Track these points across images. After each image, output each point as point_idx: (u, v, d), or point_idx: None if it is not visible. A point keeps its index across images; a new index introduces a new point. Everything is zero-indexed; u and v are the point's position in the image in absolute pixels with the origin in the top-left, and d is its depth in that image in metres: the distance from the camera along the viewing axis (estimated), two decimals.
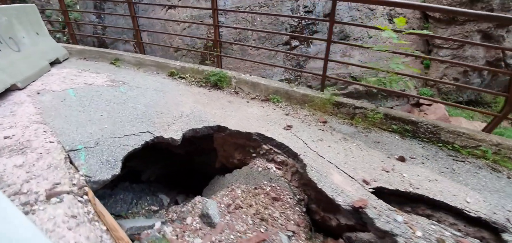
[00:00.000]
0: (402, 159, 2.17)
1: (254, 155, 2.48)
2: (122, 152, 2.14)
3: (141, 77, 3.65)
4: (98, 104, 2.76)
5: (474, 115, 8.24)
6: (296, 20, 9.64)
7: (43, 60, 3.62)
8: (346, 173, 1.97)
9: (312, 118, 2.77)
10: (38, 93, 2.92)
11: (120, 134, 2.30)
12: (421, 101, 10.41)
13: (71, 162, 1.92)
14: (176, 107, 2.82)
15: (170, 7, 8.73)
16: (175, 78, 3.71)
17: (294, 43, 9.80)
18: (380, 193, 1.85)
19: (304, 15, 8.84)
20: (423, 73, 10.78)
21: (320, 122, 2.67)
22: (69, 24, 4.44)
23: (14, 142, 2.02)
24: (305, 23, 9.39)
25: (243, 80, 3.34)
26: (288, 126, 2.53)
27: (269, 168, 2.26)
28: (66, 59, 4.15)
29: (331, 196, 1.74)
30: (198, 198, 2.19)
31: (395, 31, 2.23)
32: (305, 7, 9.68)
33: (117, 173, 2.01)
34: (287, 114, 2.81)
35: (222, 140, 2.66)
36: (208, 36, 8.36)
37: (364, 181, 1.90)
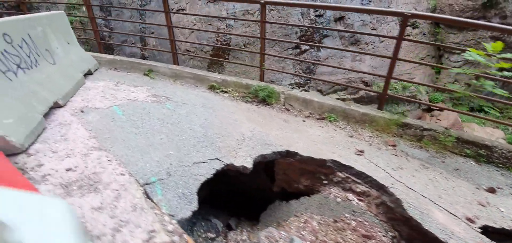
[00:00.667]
0: (492, 190, 2.06)
1: (325, 182, 2.33)
2: (195, 183, 1.97)
3: (182, 92, 3.46)
4: (151, 125, 2.57)
5: (486, 121, 8.28)
6: (307, 24, 9.49)
7: (78, 72, 3.39)
8: (446, 210, 1.84)
9: (378, 140, 2.63)
10: (82, 111, 2.70)
11: (188, 161, 2.12)
12: (433, 106, 10.44)
13: (150, 199, 1.73)
14: (233, 128, 2.65)
15: (178, 11, 8.52)
16: (218, 92, 3.53)
17: (304, 47, 9.69)
18: (486, 232, 1.73)
19: (315, 19, 8.76)
20: (434, 77, 10.83)
21: (389, 145, 2.54)
22: (97, 32, 4.21)
23: (79, 175, 1.82)
24: (315, 26, 9.28)
25: (293, 97, 3.18)
26: (359, 151, 2.39)
27: (350, 200, 2.11)
28: (96, 69, 3.92)
29: (442, 240, 1.61)
30: (274, 231, 2.03)
31: (488, 55, 2.12)
32: (316, 11, 9.57)
33: (195, 209, 1.84)
34: (350, 136, 2.67)
35: (286, 165, 2.50)
36: (217, 40, 8.16)
37: (468, 219, 1.77)
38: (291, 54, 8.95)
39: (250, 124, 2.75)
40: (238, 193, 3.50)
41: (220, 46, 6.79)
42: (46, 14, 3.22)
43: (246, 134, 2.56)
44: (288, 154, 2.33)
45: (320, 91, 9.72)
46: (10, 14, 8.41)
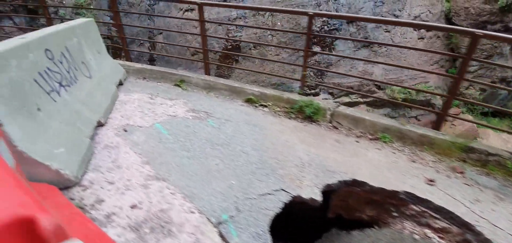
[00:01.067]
0: None
1: (395, 214, 2.18)
2: (265, 219, 1.81)
3: (220, 105, 3.28)
4: (201, 147, 2.39)
5: (501, 126, 8.21)
6: (318, 25, 9.37)
7: (112, 84, 3.20)
8: None
9: (443, 167, 2.48)
10: (125, 130, 2.52)
11: (253, 193, 1.95)
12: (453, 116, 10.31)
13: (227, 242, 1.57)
14: (287, 151, 2.48)
15: (187, 9, 8.31)
16: (256, 107, 3.35)
17: (315, 48, 9.54)
18: None
19: (327, 20, 8.61)
20: (448, 82, 10.70)
21: (457, 172, 2.39)
22: (124, 39, 4.00)
23: (147, 214, 1.65)
24: (327, 28, 9.15)
25: (341, 114, 3.02)
26: (430, 180, 2.24)
27: (429, 237, 1.97)
28: (125, 79, 3.73)
29: None
30: None
31: None
32: (328, 11, 9.38)
33: None
34: (413, 161, 2.51)
35: (346, 191, 2.34)
36: (227, 38, 7.93)
37: None
38: (301, 56, 8.78)
39: (303, 145, 2.59)
40: (282, 214, 3.34)
41: (229, 51, 6.59)
42: (79, 23, 3.02)
43: (303, 158, 2.39)
44: (355, 183, 2.18)
45: (331, 94, 9.58)
46: (18, 16, 8.06)
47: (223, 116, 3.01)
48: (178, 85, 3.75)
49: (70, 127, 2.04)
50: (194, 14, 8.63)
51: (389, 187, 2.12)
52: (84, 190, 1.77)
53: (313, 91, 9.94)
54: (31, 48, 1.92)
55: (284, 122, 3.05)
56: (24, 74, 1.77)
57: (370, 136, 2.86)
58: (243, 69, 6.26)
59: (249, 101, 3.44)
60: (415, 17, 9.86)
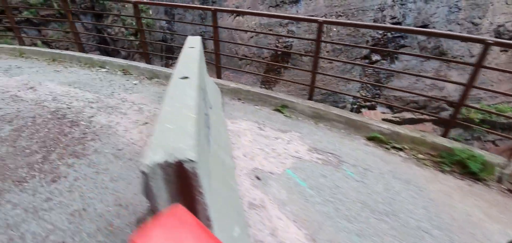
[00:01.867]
0: None
1: None
2: None
3: (341, 143, 2.72)
4: (361, 215, 1.86)
5: None
6: (380, 32, 8.53)
7: (220, 110, 2.88)
8: None
9: None
10: (259, 178, 2.12)
11: None
12: None
13: None
14: (480, 233, 1.82)
15: (239, 14, 8.17)
16: (388, 149, 2.74)
17: (375, 57, 8.58)
18: None
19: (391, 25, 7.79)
20: None
21: None
22: (219, 55, 3.68)
23: None
24: (390, 36, 8.21)
25: None
26: None
27: None
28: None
29: None
30: None
31: None
32: (393, 18, 8.40)
33: None
34: None
35: None
36: (276, 46, 7.57)
37: None
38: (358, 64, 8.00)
39: (494, 224, 1.91)
40: None
41: (276, 62, 6.02)
42: (200, 45, 2.64)
43: None
44: None
45: (390, 108, 8.51)
46: (85, 18, 8.45)
47: (357, 162, 2.46)
48: (279, 111, 3.31)
49: (227, 188, 1.66)
50: (245, 18, 8.36)
51: None
52: None
53: (367, 104, 8.98)
54: (199, 91, 1.57)
55: (439, 177, 2.38)
56: (201, 128, 1.42)
57: None
58: (318, 86, 5.67)
59: (374, 139, 2.84)
60: (499, 26, 8.38)
